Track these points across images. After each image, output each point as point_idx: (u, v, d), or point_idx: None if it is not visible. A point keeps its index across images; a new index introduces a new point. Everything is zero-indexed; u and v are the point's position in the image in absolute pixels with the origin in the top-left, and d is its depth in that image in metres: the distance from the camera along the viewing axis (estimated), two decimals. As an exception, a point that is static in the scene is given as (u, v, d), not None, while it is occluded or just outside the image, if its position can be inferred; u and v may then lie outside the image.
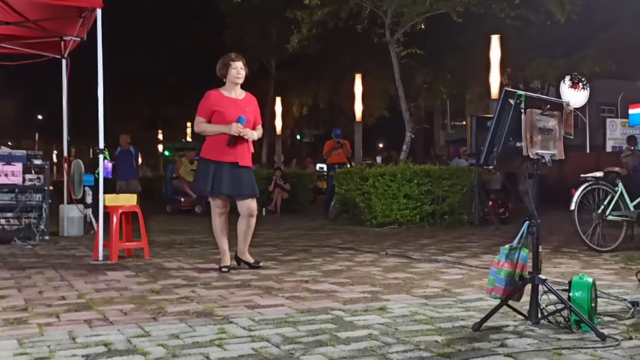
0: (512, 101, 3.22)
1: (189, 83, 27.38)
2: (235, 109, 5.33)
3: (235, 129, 5.23)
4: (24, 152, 7.92)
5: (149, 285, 4.65)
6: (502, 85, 16.11)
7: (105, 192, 6.26)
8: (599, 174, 6.88)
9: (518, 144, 3.27)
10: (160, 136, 37.37)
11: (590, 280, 3.37)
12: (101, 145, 6.24)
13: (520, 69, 20.24)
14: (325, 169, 17.33)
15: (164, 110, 35.42)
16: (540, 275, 3.34)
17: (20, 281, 4.81)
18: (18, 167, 7.64)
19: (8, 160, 7.62)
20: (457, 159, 13.62)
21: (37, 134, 50.34)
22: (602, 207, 6.83)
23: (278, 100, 24.26)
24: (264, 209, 14.70)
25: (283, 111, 24.91)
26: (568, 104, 3.48)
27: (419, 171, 10.52)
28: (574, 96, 27.67)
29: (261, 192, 15.28)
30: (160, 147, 37.09)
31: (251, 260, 5.56)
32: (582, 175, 6.86)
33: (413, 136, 12.78)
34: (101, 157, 6.28)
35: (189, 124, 29.21)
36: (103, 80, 6.22)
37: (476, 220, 10.33)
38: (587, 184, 6.79)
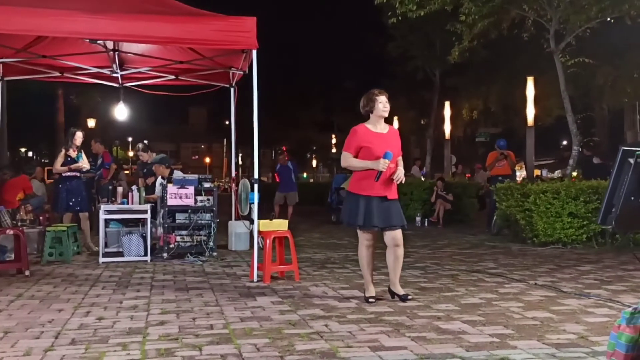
0: (631, 160, 3.07)
1: (360, 90, 28.20)
2: (381, 144, 5.46)
3: (383, 165, 5.37)
4: (196, 176, 8.79)
5: (288, 315, 5.02)
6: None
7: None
8: None
9: (641, 203, 3.10)
10: (333, 140, 38.73)
11: None
12: (256, 175, 6.79)
13: None
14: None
15: (338, 117, 36.74)
16: (668, 342, 3.14)
17: (181, 305, 5.43)
18: (191, 190, 8.51)
19: (182, 184, 8.52)
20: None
21: (225, 140, 54.44)
22: None
23: (447, 104, 24.03)
24: (426, 220, 14.76)
25: (452, 115, 24.64)
26: None
27: (586, 188, 9.95)
28: None
29: (423, 203, 15.42)
30: (333, 151, 38.48)
31: (400, 292, 5.63)
32: None
33: (581, 149, 12.03)
34: (256, 186, 6.82)
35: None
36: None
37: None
38: None
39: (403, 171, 5.55)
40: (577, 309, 5.23)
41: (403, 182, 5.56)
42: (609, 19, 12.67)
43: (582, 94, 22.34)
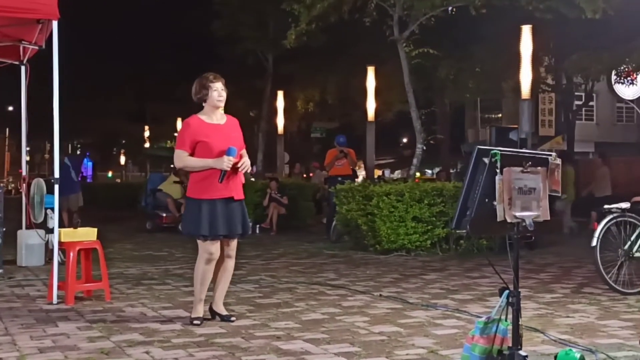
0: (486, 160, 3.35)
1: (178, 75, 27.87)
2: (220, 138, 5.41)
3: (228, 163, 5.29)
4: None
5: (100, 342, 4.84)
6: (534, 83, 16.18)
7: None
8: (626, 204, 6.97)
9: (495, 205, 3.40)
10: (146, 132, 37.86)
11: (577, 356, 3.50)
12: (56, 174, 6.46)
13: (559, 62, 20.32)
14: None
15: (152, 105, 36.02)
16: (520, 352, 3.48)
17: (-41, 336, 5.03)
18: (-31, 191, 7.89)
19: (-43, 184, 7.86)
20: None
21: (7, 129, 50.94)
22: (629, 242, 6.92)
23: (280, 94, 24.44)
24: (257, 226, 14.89)
25: (286, 107, 25.12)
26: (555, 158, 3.60)
27: (430, 190, 10.64)
28: (626, 90, 27.79)
29: (255, 206, 15.54)
30: (147, 145, 37.62)
31: (223, 312, 5.60)
32: (605, 207, 6.97)
33: (424, 148, 12.90)
34: (56, 186, 6.49)
35: (179, 120, 29.62)
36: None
37: (497, 245, 10.37)
38: (611, 217, 6.89)
39: (249, 160, 5.55)
40: (425, 321, 5.60)
41: (249, 171, 5.60)
42: (452, 8, 13.70)
43: (424, 87, 23.86)
